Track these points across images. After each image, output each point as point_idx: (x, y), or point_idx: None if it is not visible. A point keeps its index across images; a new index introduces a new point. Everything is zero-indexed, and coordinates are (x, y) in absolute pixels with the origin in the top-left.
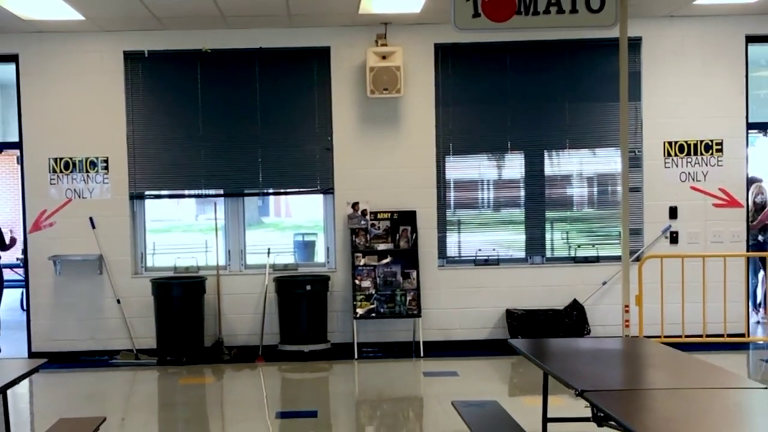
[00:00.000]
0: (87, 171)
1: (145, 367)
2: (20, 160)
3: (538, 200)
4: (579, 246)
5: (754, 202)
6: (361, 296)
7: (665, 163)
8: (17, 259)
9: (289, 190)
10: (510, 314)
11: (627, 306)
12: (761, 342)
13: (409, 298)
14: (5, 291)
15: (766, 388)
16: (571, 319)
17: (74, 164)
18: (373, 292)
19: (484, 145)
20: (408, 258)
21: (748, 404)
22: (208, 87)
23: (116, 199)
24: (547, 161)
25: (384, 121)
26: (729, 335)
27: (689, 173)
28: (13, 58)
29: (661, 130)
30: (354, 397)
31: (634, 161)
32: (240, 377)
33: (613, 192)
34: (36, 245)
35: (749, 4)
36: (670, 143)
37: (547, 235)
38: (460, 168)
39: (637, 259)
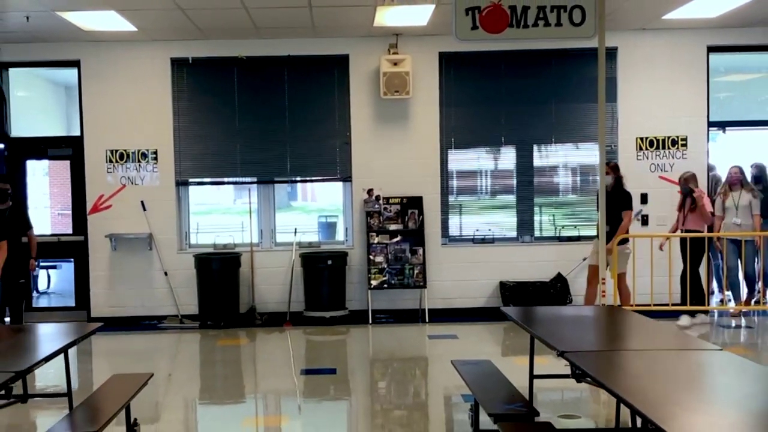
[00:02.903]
0: (139, 161)
1: (188, 330)
2: (82, 152)
3: (528, 187)
4: (563, 227)
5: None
6: (375, 270)
7: (637, 156)
8: None
9: (313, 178)
10: (503, 285)
11: (603, 279)
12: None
13: (416, 271)
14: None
15: (720, 349)
16: (556, 290)
17: (128, 155)
18: (385, 266)
19: (481, 140)
20: (415, 237)
21: (705, 363)
22: (243, 89)
23: (164, 186)
24: (536, 154)
25: (395, 119)
26: (691, 304)
27: (658, 164)
28: (75, 64)
29: (634, 128)
30: (368, 357)
31: (610, 154)
32: (270, 339)
33: (593, 181)
34: (95, 225)
35: (710, 19)
36: (641, 139)
37: (536, 218)
38: (460, 160)
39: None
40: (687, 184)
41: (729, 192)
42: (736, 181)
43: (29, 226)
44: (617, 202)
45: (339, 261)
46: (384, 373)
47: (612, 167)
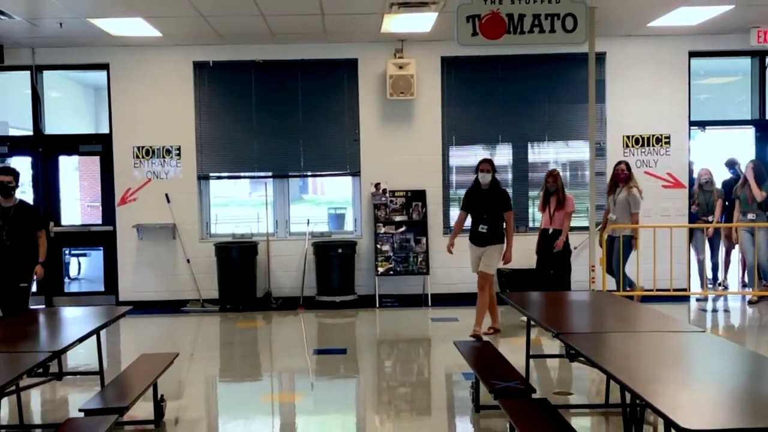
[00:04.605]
0: (163, 157)
1: (209, 314)
2: (110, 148)
3: (523, 182)
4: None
5: (700, 184)
6: (382, 258)
7: (624, 152)
8: None
9: (324, 173)
10: (500, 272)
11: (593, 266)
12: (699, 295)
13: (420, 259)
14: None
15: (703, 331)
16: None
17: (153, 151)
18: (391, 254)
19: (480, 138)
20: (419, 227)
21: (688, 344)
22: (260, 90)
23: (186, 179)
24: (530, 151)
25: (400, 118)
26: (674, 290)
27: (643, 161)
28: (104, 67)
29: (621, 127)
30: (375, 338)
31: (599, 151)
32: (285, 322)
33: (583, 175)
34: (123, 216)
35: (691, 27)
36: (628, 137)
37: (530, 210)
38: (461, 156)
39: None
40: (555, 181)
41: (615, 188)
42: (623, 177)
43: (40, 227)
44: (498, 202)
45: (348, 249)
46: (390, 353)
47: (491, 164)
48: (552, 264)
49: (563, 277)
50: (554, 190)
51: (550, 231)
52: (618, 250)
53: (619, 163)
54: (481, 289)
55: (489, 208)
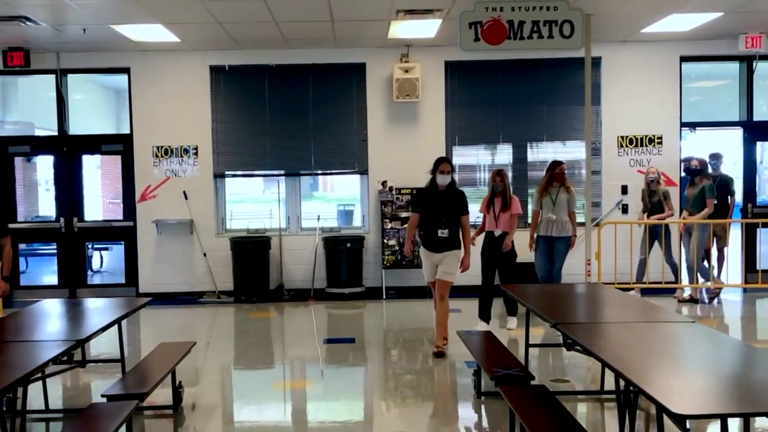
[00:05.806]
0: (181, 156)
1: (224, 305)
2: (131, 148)
3: (522, 180)
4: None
5: (647, 182)
6: (388, 252)
7: (618, 152)
8: None
9: (333, 171)
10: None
11: (589, 260)
12: (689, 288)
13: None
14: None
15: (693, 322)
16: None
17: (172, 151)
18: (397, 248)
19: (481, 138)
20: None
21: (679, 334)
22: (273, 93)
23: (203, 177)
24: (529, 150)
25: (406, 119)
26: (666, 282)
27: (637, 160)
28: (125, 70)
29: (616, 128)
30: (382, 328)
31: (595, 151)
32: (296, 312)
33: (579, 174)
34: (143, 212)
35: (683, 33)
36: (622, 137)
37: (529, 207)
38: (463, 155)
39: (597, 225)
40: (503, 181)
41: (549, 187)
42: (564, 177)
43: (5, 233)
44: (457, 204)
45: (356, 244)
46: (396, 342)
47: (451, 164)
48: (499, 266)
49: (509, 278)
50: (500, 190)
51: (497, 234)
52: (561, 250)
53: (560, 163)
54: (441, 299)
55: (449, 210)
